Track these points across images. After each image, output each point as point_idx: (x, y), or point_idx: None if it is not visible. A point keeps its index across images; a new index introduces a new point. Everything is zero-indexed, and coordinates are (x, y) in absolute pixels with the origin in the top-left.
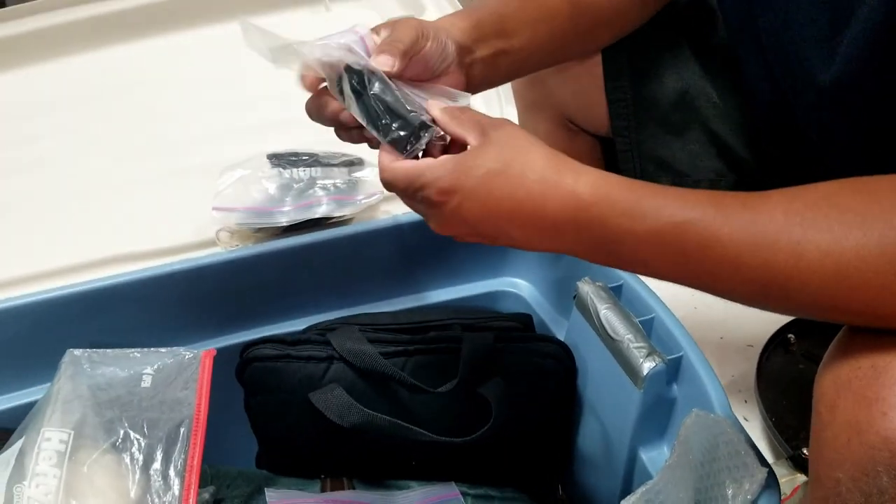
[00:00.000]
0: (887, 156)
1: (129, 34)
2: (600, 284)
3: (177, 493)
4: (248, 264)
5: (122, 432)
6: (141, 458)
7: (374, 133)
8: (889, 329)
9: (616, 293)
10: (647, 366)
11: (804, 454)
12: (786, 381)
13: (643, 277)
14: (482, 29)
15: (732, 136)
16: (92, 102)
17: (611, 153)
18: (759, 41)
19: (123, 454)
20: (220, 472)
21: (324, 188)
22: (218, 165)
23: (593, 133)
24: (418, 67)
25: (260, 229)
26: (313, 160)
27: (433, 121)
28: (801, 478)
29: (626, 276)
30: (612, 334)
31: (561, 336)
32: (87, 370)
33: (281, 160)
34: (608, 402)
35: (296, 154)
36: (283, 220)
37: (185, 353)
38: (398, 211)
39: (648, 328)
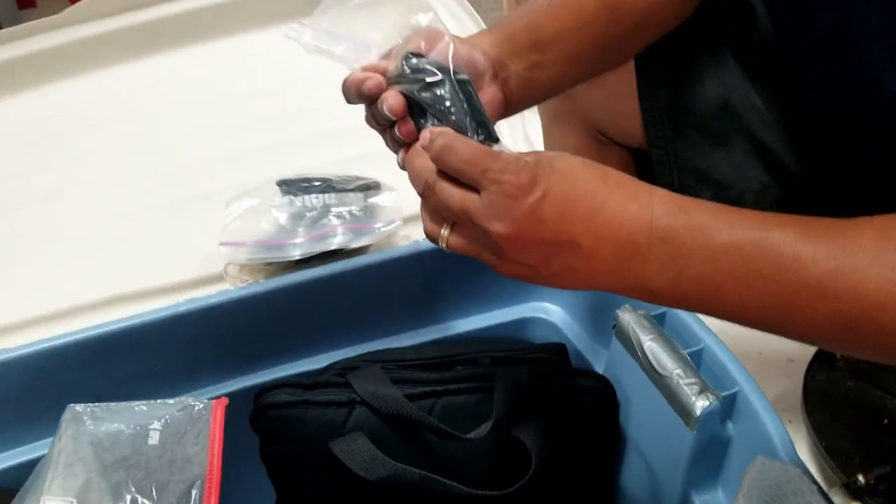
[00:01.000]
0: None
1: (122, 55)
2: (642, 313)
3: None
4: (260, 301)
5: (129, 498)
6: None
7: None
8: None
9: (660, 322)
10: (699, 405)
11: (860, 481)
12: (834, 400)
13: None
14: (515, 42)
15: (779, 145)
16: (84, 129)
17: (644, 166)
18: (814, 44)
19: None
20: None
21: (339, 216)
22: (224, 192)
23: (624, 145)
24: None
25: (271, 263)
26: (326, 185)
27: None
28: None
29: None
30: (658, 369)
31: (599, 368)
32: (89, 427)
33: (292, 187)
34: (656, 442)
35: (307, 180)
36: (296, 254)
37: (195, 403)
38: (418, 236)
39: (697, 361)
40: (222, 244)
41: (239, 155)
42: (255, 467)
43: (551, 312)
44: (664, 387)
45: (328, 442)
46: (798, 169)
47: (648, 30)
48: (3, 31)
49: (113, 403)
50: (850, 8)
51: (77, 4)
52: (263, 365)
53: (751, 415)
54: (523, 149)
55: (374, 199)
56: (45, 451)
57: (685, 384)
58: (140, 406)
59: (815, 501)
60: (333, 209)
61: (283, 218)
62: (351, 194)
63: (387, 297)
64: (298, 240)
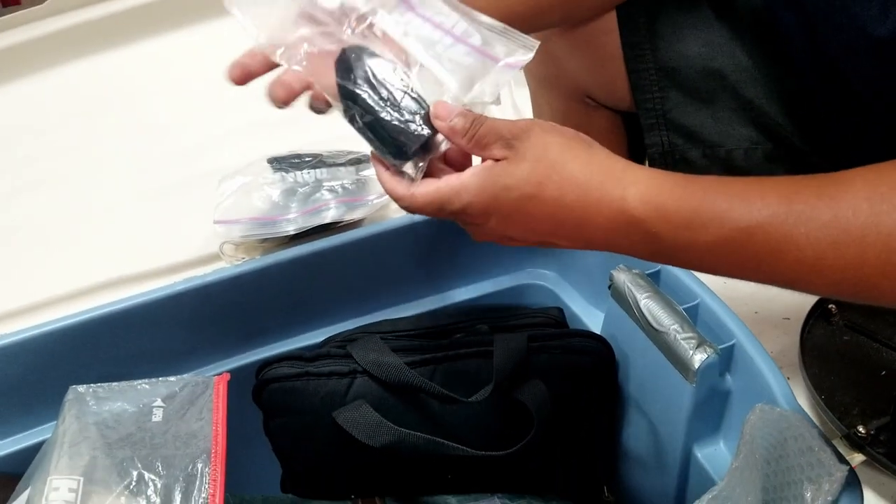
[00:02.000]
0: None
1: (107, 40)
2: (637, 272)
3: None
4: (257, 278)
5: (135, 474)
6: (158, 500)
7: (365, 140)
8: None
9: (654, 280)
10: (698, 358)
11: (860, 432)
12: (831, 354)
13: None
14: None
15: (766, 101)
16: (74, 117)
17: (632, 128)
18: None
19: (139, 497)
20: (244, 501)
21: (331, 190)
22: (216, 173)
23: (612, 108)
24: None
25: (266, 239)
26: (317, 161)
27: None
28: (859, 457)
29: None
30: (655, 325)
31: (596, 329)
32: (92, 407)
33: (283, 164)
34: (655, 398)
35: (298, 156)
36: (290, 229)
37: (197, 380)
38: None
39: (694, 315)
40: (217, 222)
41: (228, 134)
42: (260, 442)
43: (547, 278)
44: (662, 343)
45: (331, 412)
46: (787, 123)
47: None
48: None
49: (115, 383)
50: None
51: None
52: (263, 341)
53: (749, 366)
54: (511, 116)
55: (365, 172)
56: (47, 436)
57: (682, 339)
58: (142, 385)
59: (817, 445)
60: (325, 184)
61: (275, 194)
62: (342, 168)
63: (383, 270)
64: (291, 215)
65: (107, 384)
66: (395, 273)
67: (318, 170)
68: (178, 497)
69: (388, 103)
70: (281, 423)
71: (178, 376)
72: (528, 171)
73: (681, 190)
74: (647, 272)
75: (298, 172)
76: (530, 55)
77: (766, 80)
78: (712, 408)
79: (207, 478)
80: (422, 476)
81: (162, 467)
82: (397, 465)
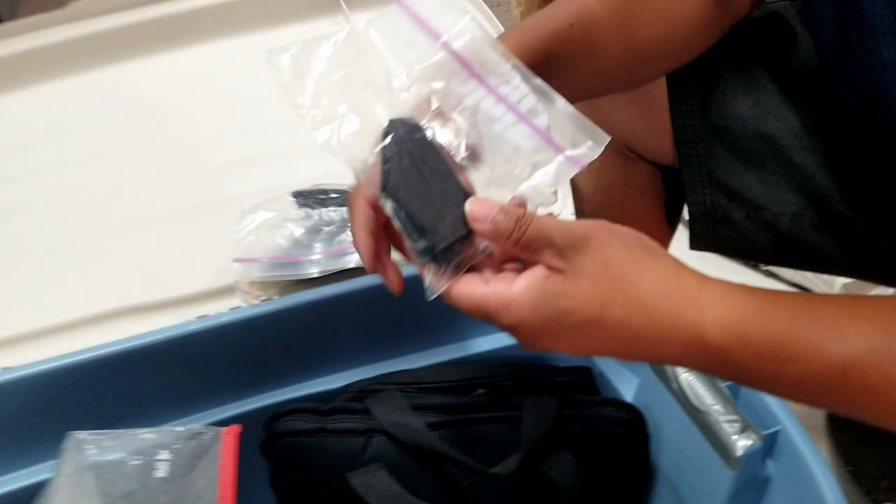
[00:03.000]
0: None
1: (130, 52)
2: None
3: None
4: (273, 320)
5: None
6: None
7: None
8: None
9: None
10: (741, 444)
11: None
12: (860, 424)
13: None
14: (528, 60)
15: (816, 170)
16: (91, 129)
17: (673, 183)
18: (852, 77)
19: None
20: None
21: None
22: (238, 199)
23: (652, 161)
24: None
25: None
26: (344, 198)
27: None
28: None
29: None
30: (696, 403)
31: (625, 392)
32: (92, 458)
33: (308, 199)
34: (690, 479)
35: (324, 191)
36: (314, 271)
37: (204, 431)
38: None
39: (735, 393)
40: (235, 261)
41: (251, 158)
42: (264, 492)
43: None
44: (702, 422)
45: (345, 473)
46: (837, 194)
47: (666, 59)
48: (5, 25)
49: (117, 431)
50: (878, 45)
51: None
52: (276, 385)
53: (794, 455)
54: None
55: None
56: (46, 475)
57: (725, 421)
58: (146, 434)
59: None
60: None
61: (298, 232)
62: None
63: (405, 315)
64: (315, 256)
65: (108, 431)
66: (418, 319)
67: (344, 208)
68: None
69: (424, 191)
70: (291, 478)
71: (185, 426)
72: (588, 291)
73: (766, 316)
74: None
75: (324, 210)
76: (598, 151)
77: (816, 147)
78: (752, 496)
79: None
80: None
81: None
82: None
